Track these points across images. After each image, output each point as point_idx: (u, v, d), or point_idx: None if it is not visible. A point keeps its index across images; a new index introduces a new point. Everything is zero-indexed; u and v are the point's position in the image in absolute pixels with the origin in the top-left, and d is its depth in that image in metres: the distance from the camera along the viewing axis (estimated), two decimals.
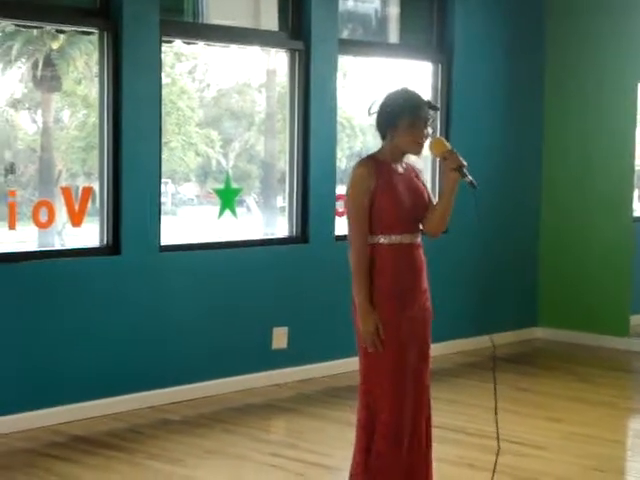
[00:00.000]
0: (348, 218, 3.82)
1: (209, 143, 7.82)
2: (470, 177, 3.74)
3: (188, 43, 6.51)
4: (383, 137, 3.83)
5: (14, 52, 7.09)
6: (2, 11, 5.53)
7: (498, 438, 3.99)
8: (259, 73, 7.39)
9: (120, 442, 5.25)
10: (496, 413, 3.97)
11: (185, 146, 7.76)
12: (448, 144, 3.80)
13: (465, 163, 3.75)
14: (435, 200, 3.91)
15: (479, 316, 7.65)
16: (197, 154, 7.83)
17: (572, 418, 5.88)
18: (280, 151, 7.11)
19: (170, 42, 6.33)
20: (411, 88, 3.85)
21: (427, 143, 3.84)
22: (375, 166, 3.77)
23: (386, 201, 3.75)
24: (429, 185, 3.97)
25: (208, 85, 7.92)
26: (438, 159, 3.83)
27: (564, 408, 6.11)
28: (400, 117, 3.74)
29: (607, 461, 5.14)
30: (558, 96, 8.17)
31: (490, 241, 7.71)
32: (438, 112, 7.20)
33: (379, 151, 3.85)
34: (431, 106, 3.85)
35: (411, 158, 3.92)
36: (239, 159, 7.88)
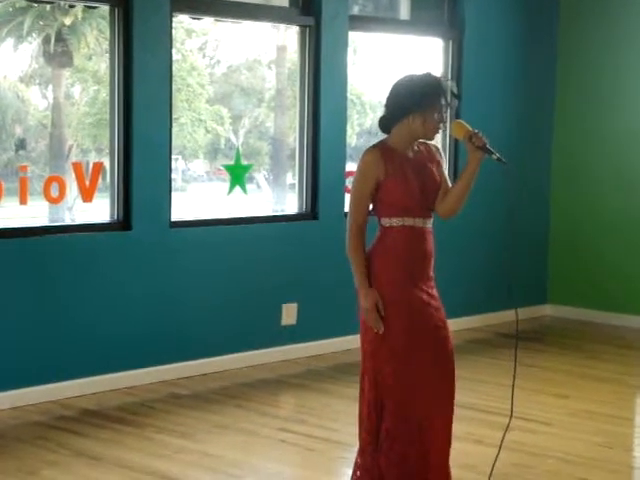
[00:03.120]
0: (350, 201, 3.82)
1: (219, 120, 7.83)
2: (497, 154, 3.73)
3: (199, 19, 6.50)
4: (397, 119, 3.75)
5: (25, 27, 7.09)
6: None
7: (511, 415, 4.02)
8: (269, 49, 7.38)
9: (131, 416, 5.30)
10: (513, 390, 3.99)
11: (195, 122, 7.77)
12: (469, 125, 3.79)
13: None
14: (450, 182, 3.88)
15: (488, 293, 7.66)
16: (207, 131, 7.84)
17: (580, 395, 5.89)
18: (290, 128, 7.11)
19: (180, 17, 6.32)
20: (433, 73, 3.79)
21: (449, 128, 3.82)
22: (383, 153, 3.74)
23: (397, 187, 3.73)
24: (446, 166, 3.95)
25: (218, 61, 7.92)
26: (462, 140, 3.79)
27: (572, 385, 6.13)
28: (430, 103, 3.69)
29: (614, 438, 5.16)
30: (571, 72, 8.13)
31: (499, 219, 7.70)
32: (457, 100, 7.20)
33: (389, 137, 3.80)
34: (454, 94, 3.83)
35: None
36: (249, 136, 7.88)
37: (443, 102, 3.73)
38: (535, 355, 6.81)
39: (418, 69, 3.83)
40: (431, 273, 3.86)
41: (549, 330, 7.92)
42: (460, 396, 5.55)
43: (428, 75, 3.77)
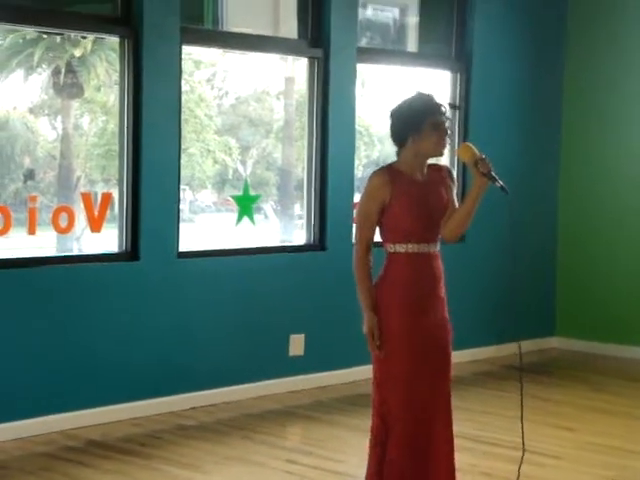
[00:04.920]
0: (355, 223, 3.86)
1: (227, 151, 7.86)
2: (501, 182, 3.74)
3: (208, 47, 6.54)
4: (401, 145, 3.80)
5: (35, 59, 7.14)
6: (24, 18, 5.57)
7: (523, 448, 4.00)
8: (277, 81, 7.42)
9: (137, 447, 5.27)
10: (522, 422, 3.98)
11: (203, 153, 7.80)
12: (476, 150, 3.80)
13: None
14: (456, 203, 3.89)
15: (495, 325, 7.64)
16: (215, 161, 7.86)
17: (588, 428, 5.86)
18: (297, 159, 7.13)
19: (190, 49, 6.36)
20: (423, 91, 3.84)
21: (455, 149, 3.85)
22: (391, 176, 3.76)
23: (403, 212, 3.75)
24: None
25: (226, 93, 7.96)
26: (467, 164, 3.81)
27: (580, 417, 6.10)
28: (423, 120, 3.72)
29: (624, 471, 5.12)
30: (577, 105, 8.16)
31: (507, 249, 7.67)
32: (458, 110, 7.22)
33: (398, 160, 3.83)
34: (451, 105, 3.86)
35: (441, 160, 3.90)
36: (257, 166, 7.91)
37: (439, 117, 3.75)
38: (542, 388, 6.78)
39: (412, 92, 3.87)
40: (442, 294, 3.86)
41: (556, 362, 7.89)
42: (466, 428, 5.56)
43: (419, 94, 3.81)
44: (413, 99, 3.79)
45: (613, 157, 7.99)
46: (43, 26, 5.89)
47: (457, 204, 3.89)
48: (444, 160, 3.95)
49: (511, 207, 3.80)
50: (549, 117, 8.16)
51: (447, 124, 3.78)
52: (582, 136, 8.15)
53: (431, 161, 3.87)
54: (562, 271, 8.28)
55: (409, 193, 3.76)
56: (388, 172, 3.79)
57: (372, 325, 3.76)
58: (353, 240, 3.87)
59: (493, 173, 3.74)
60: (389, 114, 3.84)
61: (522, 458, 4.07)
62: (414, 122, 3.73)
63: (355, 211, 3.89)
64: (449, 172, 3.92)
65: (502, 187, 3.74)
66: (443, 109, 3.76)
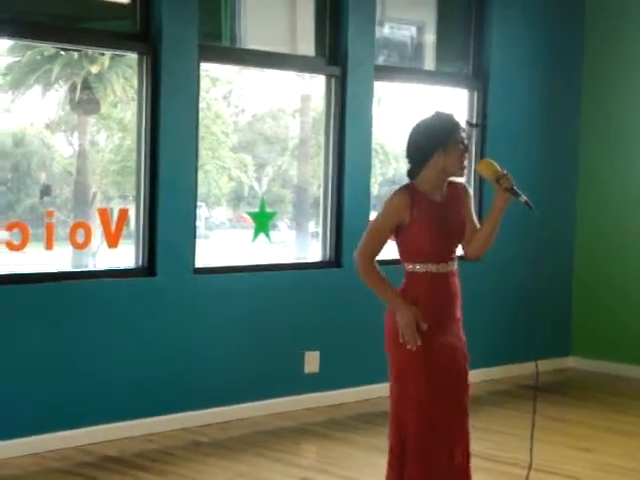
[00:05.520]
0: (366, 233, 3.82)
1: (242, 168, 7.87)
2: (525, 197, 3.73)
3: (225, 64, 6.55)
4: (421, 164, 3.77)
5: (53, 75, 7.19)
6: (43, 35, 5.59)
7: (530, 466, 3.97)
8: (293, 98, 7.43)
9: (151, 463, 5.26)
10: (532, 441, 3.96)
11: (219, 170, 7.82)
12: (498, 165, 3.79)
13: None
14: (477, 222, 3.89)
15: (511, 344, 7.61)
16: (230, 178, 7.88)
17: (605, 449, 5.81)
18: (313, 176, 7.14)
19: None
20: (443, 110, 3.85)
21: (475, 166, 3.85)
22: (412, 198, 3.74)
23: (422, 232, 3.74)
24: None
25: (243, 110, 7.99)
26: (489, 180, 3.81)
27: (596, 438, 6.05)
28: (447, 138, 3.72)
29: None
30: (595, 124, 8.13)
31: (523, 267, 7.67)
32: (477, 128, 7.21)
33: (419, 180, 3.80)
34: (470, 123, 3.86)
35: (457, 179, 3.90)
36: (272, 184, 7.92)
37: (462, 134, 3.75)
38: (558, 408, 6.73)
39: (428, 113, 3.86)
40: (458, 315, 3.86)
41: (573, 383, 7.84)
42: (481, 447, 5.51)
43: (439, 114, 3.81)
44: (434, 118, 3.79)
45: (632, 173, 7.95)
46: (61, 42, 5.92)
47: (476, 220, 3.88)
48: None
49: (536, 223, 3.77)
50: (567, 133, 8.14)
51: (467, 142, 3.79)
52: (601, 152, 8.10)
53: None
54: (579, 290, 8.23)
55: (429, 215, 3.75)
56: (409, 193, 3.76)
57: (415, 314, 3.70)
58: (356, 252, 3.82)
59: (516, 188, 3.73)
60: (410, 132, 3.83)
61: (527, 476, 4.05)
62: (440, 139, 3.72)
63: (369, 225, 3.87)
64: (465, 189, 3.91)
65: (526, 202, 3.73)
66: (463, 128, 3.77)
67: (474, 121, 7.23)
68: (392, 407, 3.83)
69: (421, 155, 3.77)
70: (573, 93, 8.16)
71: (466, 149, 3.76)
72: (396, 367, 3.81)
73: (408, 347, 3.71)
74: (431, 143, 3.74)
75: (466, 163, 3.79)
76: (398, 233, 3.79)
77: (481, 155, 7.35)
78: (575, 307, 8.25)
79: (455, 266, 3.84)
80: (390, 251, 3.92)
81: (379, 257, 3.82)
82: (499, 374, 7.58)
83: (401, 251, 3.83)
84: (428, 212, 3.75)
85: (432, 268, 3.76)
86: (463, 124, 3.80)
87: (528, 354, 7.12)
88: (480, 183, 7.36)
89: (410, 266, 3.79)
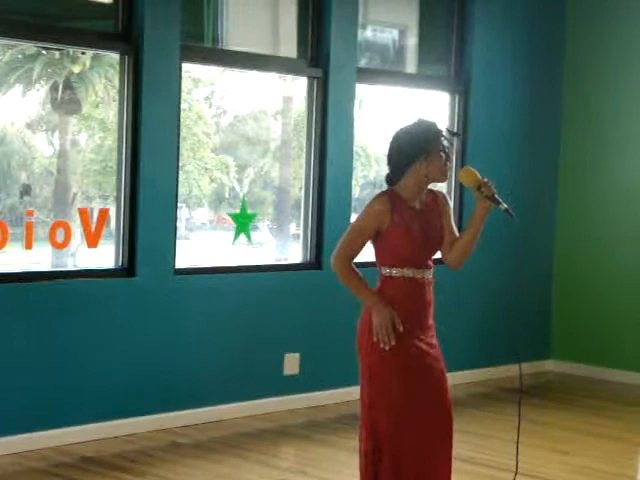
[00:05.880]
0: (346, 235, 3.82)
1: (224, 169, 7.86)
2: (505, 205, 3.74)
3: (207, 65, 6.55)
4: (402, 170, 3.78)
5: (34, 75, 7.15)
6: (24, 33, 5.57)
7: (516, 472, 3.99)
8: (275, 100, 7.43)
9: (130, 464, 5.24)
10: (517, 445, 3.97)
11: (200, 171, 7.80)
12: (478, 173, 3.80)
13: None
14: (456, 232, 3.90)
15: (490, 347, 7.64)
16: (212, 180, 7.86)
17: (583, 452, 5.84)
18: (294, 178, 7.14)
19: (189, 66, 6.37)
20: (425, 118, 3.86)
21: (455, 173, 3.86)
22: (392, 203, 3.75)
23: (400, 238, 3.75)
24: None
25: (224, 111, 7.98)
26: (470, 188, 3.81)
27: (575, 441, 6.08)
28: (425, 148, 3.73)
29: None
30: (575, 130, 8.18)
31: (502, 271, 7.71)
32: (458, 137, 7.23)
33: (399, 186, 3.81)
34: (451, 132, 3.87)
35: (437, 185, 3.91)
36: (253, 185, 7.91)
37: (444, 142, 3.76)
38: (537, 411, 6.74)
39: (410, 119, 3.87)
40: (430, 322, 3.86)
41: (552, 386, 7.87)
42: (461, 450, 5.53)
43: (422, 121, 3.83)
44: (417, 124, 3.80)
45: (613, 178, 8.00)
46: (43, 41, 5.90)
47: (455, 229, 3.90)
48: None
49: (516, 229, 3.79)
50: (548, 139, 8.18)
51: (450, 150, 3.80)
52: (581, 156, 8.14)
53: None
54: (558, 294, 8.27)
55: (408, 221, 3.76)
56: (390, 198, 3.77)
57: (391, 313, 3.70)
58: (333, 254, 3.83)
59: (497, 196, 3.74)
60: (391, 138, 3.83)
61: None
62: (423, 147, 3.73)
63: (349, 226, 3.87)
64: (445, 198, 3.93)
65: (506, 210, 3.74)
66: (446, 135, 3.78)
67: (455, 129, 7.24)
68: (363, 410, 3.80)
69: (403, 162, 3.78)
70: (554, 95, 8.20)
71: (448, 157, 3.77)
72: (368, 369, 3.79)
73: (381, 346, 3.71)
74: (413, 150, 3.74)
75: (448, 171, 3.80)
76: (376, 237, 3.80)
77: (462, 160, 7.37)
78: (554, 311, 8.28)
79: (431, 275, 3.84)
80: (366, 254, 3.92)
81: (356, 259, 3.83)
82: (480, 377, 7.60)
83: (378, 255, 3.84)
84: (408, 218, 3.76)
85: (408, 273, 3.77)
86: (445, 132, 3.82)
87: (508, 357, 7.19)
88: (461, 191, 7.38)
89: (387, 270, 3.80)
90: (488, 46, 7.62)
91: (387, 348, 3.71)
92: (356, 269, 3.81)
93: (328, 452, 5.65)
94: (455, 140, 7.29)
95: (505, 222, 3.76)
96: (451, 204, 3.96)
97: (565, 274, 8.24)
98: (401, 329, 3.71)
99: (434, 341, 3.84)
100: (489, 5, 7.59)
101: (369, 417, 3.78)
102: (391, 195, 3.79)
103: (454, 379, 6.77)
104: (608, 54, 8.02)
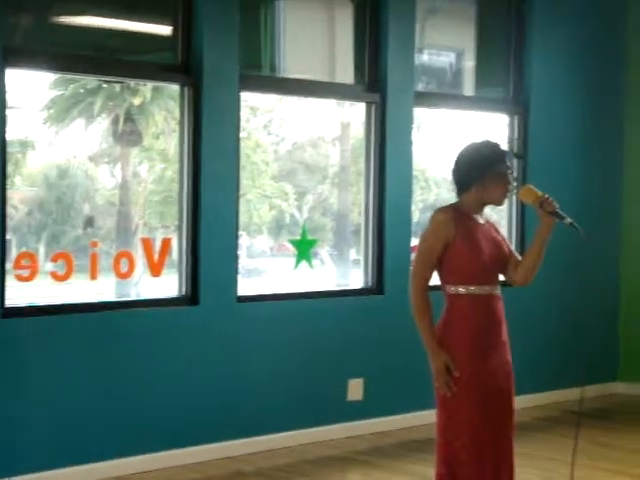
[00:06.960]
0: (415, 258, 3.83)
1: (283, 196, 7.90)
2: (570, 218, 3.73)
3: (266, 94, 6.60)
4: (464, 191, 3.80)
5: (96, 108, 7.28)
6: (85, 67, 5.67)
7: None
8: (333, 126, 7.46)
9: None
10: (573, 465, 3.91)
11: (260, 199, 7.85)
12: (538, 190, 3.79)
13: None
14: (515, 251, 3.91)
15: (558, 370, 7.53)
16: (271, 207, 7.91)
17: None
18: (353, 204, 7.14)
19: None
20: (491, 139, 3.86)
21: (517, 194, 3.85)
22: (455, 214, 3.76)
23: (466, 251, 3.74)
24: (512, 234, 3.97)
25: (283, 139, 8.03)
26: (532, 206, 3.81)
27: None
28: (489, 169, 3.74)
29: None
30: (637, 147, 8.06)
31: (569, 293, 7.62)
32: (523, 160, 7.19)
33: (460, 202, 3.83)
34: (517, 155, 3.86)
35: (485, 211, 3.90)
36: (313, 212, 7.93)
37: (505, 167, 3.74)
38: (606, 433, 6.64)
39: (478, 138, 3.87)
40: (504, 338, 3.83)
41: (620, 408, 7.72)
42: (529, 475, 5.46)
43: (486, 143, 3.82)
44: (481, 146, 3.81)
45: None
46: (104, 75, 5.99)
47: (515, 252, 3.91)
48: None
49: (581, 247, 3.76)
50: (609, 159, 8.07)
51: (511, 174, 3.79)
52: None
53: None
54: (625, 314, 8.13)
55: (472, 233, 3.76)
56: (453, 211, 3.79)
57: (447, 360, 3.70)
58: (411, 282, 3.82)
59: (559, 210, 3.72)
60: (455, 158, 3.84)
61: None
62: (481, 169, 3.74)
63: (416, 250, 3.86)
64: (495, 224, 3.95)
65: (572, 223, 3.72)
66: (509, 158, 3.78)
67: (518, 151, 7.19)
68: (440, 433, 3.79)
69: (462, 182, 3.80)
70: (615, 114, 8.10)
71: (508, 181, 3.76)
72: (438, 392, 3.77)
73: (442, 393, 3.71)
74: (472, 172, 3.76)
75: (508, 194, 3.80)
76: (443, 253, 3.77)
77: (522, 181, 7.31)
78: (622, 332, 8.15)
79: (498, 291, 3.82)
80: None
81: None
82: (546, 400, 7.50)
83: (443, 273, 3.81)
84: (472, 230, 3.77)
85: (475, 290, 3.75)
86: (510, 154, 3.81)
87: (575, 379, 7.09)
88: (522, 210, 7.31)
89: (452, 288, 3.77)
90: (546, 66, 7.56)
91: (449, 395, 3.69)
92: (429, 304, 3.77)
93: (394, 478, 5.60)
94: (516, 162, 7.25)
95: (570, 239, 3.72)
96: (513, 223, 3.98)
97: (632, 293, 8.09)
98: (457, 375, 3.69)
99: (508, 357, 3.83)
100: (547, 26, 7.54)
101: (443, 441, 3.76)
102: (453, 208, 3.81)
103: (520, 403, 6.67)
104: None
